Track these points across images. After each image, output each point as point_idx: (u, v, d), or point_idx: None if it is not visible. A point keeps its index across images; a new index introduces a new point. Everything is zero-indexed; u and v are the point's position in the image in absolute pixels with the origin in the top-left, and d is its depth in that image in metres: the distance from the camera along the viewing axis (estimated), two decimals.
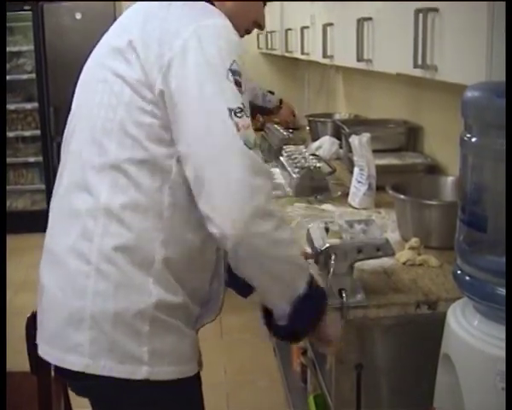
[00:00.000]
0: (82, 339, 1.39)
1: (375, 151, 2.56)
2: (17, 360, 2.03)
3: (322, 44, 3.22)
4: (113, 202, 1.39)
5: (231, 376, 3.58)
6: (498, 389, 1.18)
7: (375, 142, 2.64)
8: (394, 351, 1.69)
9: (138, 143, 1.38)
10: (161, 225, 1.40)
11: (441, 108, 2.71)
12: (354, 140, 2.55)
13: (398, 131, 3.09)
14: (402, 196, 2.12)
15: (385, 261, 1.83)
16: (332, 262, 1.58)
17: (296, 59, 4.73)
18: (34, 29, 6.05)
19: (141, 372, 1.39)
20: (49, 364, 1.56)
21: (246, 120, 1.34)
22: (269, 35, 5.22)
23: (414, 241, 1.96)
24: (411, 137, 3.04)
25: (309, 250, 1.71)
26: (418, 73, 1.90)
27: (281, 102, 4.64)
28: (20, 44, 6.21)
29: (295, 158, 3.02)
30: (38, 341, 1.51)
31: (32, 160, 6.41)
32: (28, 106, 6.30)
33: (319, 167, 2.83)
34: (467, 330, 1.28)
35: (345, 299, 1.58)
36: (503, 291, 1.19)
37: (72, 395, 1.93)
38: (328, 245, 1.59)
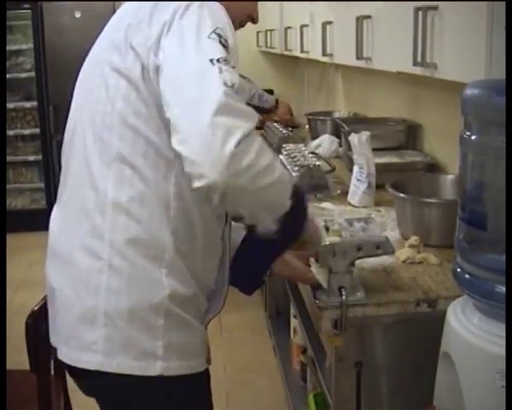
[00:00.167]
0: (96, 337, 1.39)
1: (374, 149, 2.56)
2: (17, 359, 2.03)
3: (322, 43, 3.22)
4: (121, 196, 1.39)
5: (231, 374, 3.59)
6: (498, 386, 1.18)
7: (375, 140, 2.63)
8: (394, 349, 1.69)
9: (139, 134, 1.39)
10: (169, 215, 1.41)
11: (441, 106, 2.71)
12: (354, 138, 2.55)
13: (397, 129, 3.09)
14: (402, 195, 2.12)
15: (385, 259, 1.83)
16: (332, 260, 1.58)
17: (296, 57, 4.72)
18: (33, 27, 6.05)
19: (155, 368, 1.39)
20: (49, 362, 1.57)
21: (229, 67, 1.32)
22: (268, 33, 5.22)
23: (414, 239, 1.96)
24: (411, 135, 3.04)
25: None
26: (418, 70, 1.90)
27: (277, 101, 4.65)
28: (20, 43, 6.21)
29: (295, 156, 3.02)
30: (55, 344, 1.51)
31: (31, 158, 6.41)
32: (27, 104, 6.30)
33: (319, 166, 2.83)
34: (467, 328, 1.28)
35: (344, 297, 1.58)
36: (502, 289, 1.19)
37: (71, 393, 1.93)
38: (327, 243, 1.59)
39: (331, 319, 1.61)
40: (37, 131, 6.31)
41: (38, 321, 1.67)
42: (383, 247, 1.63)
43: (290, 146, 3.31)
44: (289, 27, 4.36)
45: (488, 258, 1.30)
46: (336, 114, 4.18)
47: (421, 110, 3.02)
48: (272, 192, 1.38)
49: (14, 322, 2.27)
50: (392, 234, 2.09)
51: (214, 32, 1.35)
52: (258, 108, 4.52)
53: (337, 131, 3.50)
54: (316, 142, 3.58)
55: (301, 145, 3.39)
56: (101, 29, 1.57)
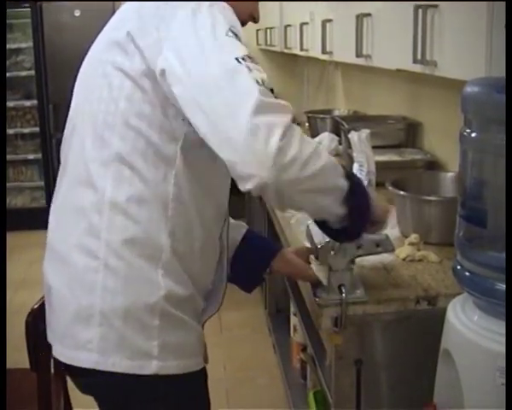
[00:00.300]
0: (91, 336, 1.39)
1: (374, 147, 2.55)
2: (17, 358, 2.03)
3: (322, 40, 3.22)
4: (118, 196, 1.39)
5: (231, 372, 3.59)
6: (498, 384, 1.19)
7: (375, 138, 2.63)
8: (394, 347, 1.69)
9: (141, 134, 1.38)
10: (167, 216, 1.40)
11: (440, 104, 2.71)
12: (353, 136, 2.55)
13: (397, 127, 3.09)
14: (401, 192, 2.12)
15: (384, 257, 1.83)
16: (331, 258, 1.58)
17: (295, 55, 4.72)
18: (33, 26, 6.05)
19: (150, 367, 1.39)
20: (48, 361, 1.57)
21: (256, 65, 1.32)
22: (268, 31, 5.22)
23: (413, 237, 1.96)
24: (411, 133, 3.04)
25: (309, 246, 1.71)
26: (418, 68, 1.89)
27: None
28: (19, 41, 6.20)
29: None
30: (51, 341, 1.51)
31: (31, 157, 6.41)
32: (27, 103, 6.30)
33: None
34: (467, 325, 1.28)
35: (344, 295, 1.58)
36: (502, 287, 1.19)
37: (71, 392, 1.93)
38: (327, 241, 1.59)
39: (331, 316, 1.61)
40: (37, 129, 6.31)
41: (38, 320, 1.67)
42: (383, 245, 1.63)
43: None
44: (289, 25, 4.36)
45: (488, 255, 1.30)
46: (336, 112, 4.18)
47: (421, 108, 3.02)
48: (324, 176, 1.35)
49: (14, 321, 2.27)
50: (392, 232, 2.08)
51: (230, 30, 1.34)
52: None
53: (337, 129, 3.50)
54: (315, 140, 3.58)
55: None
56: (101, 28, 1.56)
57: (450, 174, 2.29)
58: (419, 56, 1.84)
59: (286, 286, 2.67)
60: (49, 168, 6.28)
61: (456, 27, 1.68)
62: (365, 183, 2.47)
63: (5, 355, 2.04)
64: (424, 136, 2.99)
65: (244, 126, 1.23)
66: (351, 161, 2.66)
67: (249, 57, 1.31)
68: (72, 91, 1.57)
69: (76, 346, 1.41)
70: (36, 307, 1.73)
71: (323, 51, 3.24)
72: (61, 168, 1.54)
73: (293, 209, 1.39)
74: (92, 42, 1.57)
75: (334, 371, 1.69)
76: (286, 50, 4.63)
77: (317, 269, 1.62)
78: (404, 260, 1.89)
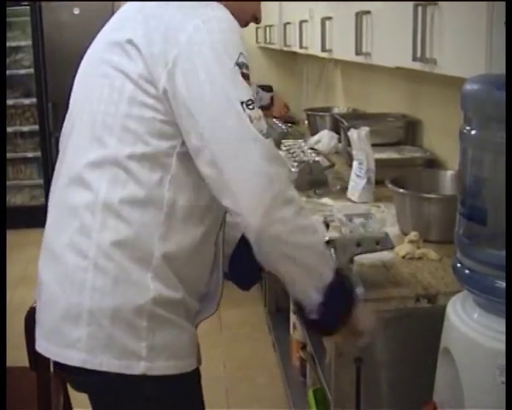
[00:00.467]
0: (80, 334, 1.39)
1: (373, 145, 2.55)
2: (16, 356, 2.03)
3: (321, 38, 3.21)
4: (112, 197, 1.38)
5: (230, 370, 3.58)
6: (498, 382, 1.18)
7: (374, 136, 2.63)
8: (394, 345, 1.69)
9: (139, 138, 1.37)
10: (161, 220, 1.39)
11: (440, 101, 2.71)
12: (353, 134, 2.55)
13: (396, 124, 3.09)
14: (401, 190, 2.12)
15: (384, 255, 1.83)
16: (331, 256, 1.58)
17: (295, 53, 4.72)
18: (32, 24, 6.04)
19: (138, 367, 1.38)
20: (48, 359, 1.56)
21: (257, 112, 1.35)
22: (267, 29, 5.21)
23: (413, 234, 1.96)
24: (410, 130, 3.04)
25: None
26: (417, 66, 1.89)
27: (272, 99, 4.67)
28: (19, 40, 6.19)
29: (294, 152, 3.02)
30: (37, 337, 1.51)
31: (30, 155, 6.40)
32: (26, 101, 6.29)
33: (318, 161, 2.83)
34: (467, 323, 1.28)
35: None
36: (502, 284, 1.19)
37: (71, 390, 1.93)
38: (327, 239, 1.59)
39: None
40: (36, 127, 6.30)
41: None
42: (383, 242, 1.63)
43: (289, 142, 3.31)
44: (288, 23, 4.36)
45: (488, 253, 1.30)
46: (335, 110, 4.18)
47: (421, 106, 3.02)
48: (311, 255, 1.39)
49: (13, 319, 2.27)
50: (392, 230, 2.09)
51: (237, 63, 1.35)
52: None
53: (336, 127, 3.50)
54: (315, 137, 3.58)
55: (300, 141, 3.39)
56: (101, 26, 1.55)
57: (449, 172, 2.29)
58: (419, 54, 1.84)
59: None
60: (49, 166, 6.26)
61: (456, 25, 1.68)
62: (365, 180, 2.48)
63: (5, 354, 2.04)
64: (424, 134, 2.99)
65: (248, 169, 1.30)
66: (350, 158, 2.66)
67: (252, 102, 1.34)
68: (71, 89, 1.56)
69: (64, 344, 1.41)
70: (35, 305, 1.73)
71: (323, 49, 3.24)
72: (57, 165, 1.53)
73: (266, 266, 1.40)
74: (91, 40, 1.56)
75: (334, 369, 1.69)
76: (285, 48, 4.62)
77: None
78: (403, 257, 1.89)
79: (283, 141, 3.35)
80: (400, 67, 2.13)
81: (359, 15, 2.48)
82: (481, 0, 1.49)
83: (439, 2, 1.74)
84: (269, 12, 4.80)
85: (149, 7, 1.43)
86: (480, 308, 1.29)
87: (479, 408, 1.23)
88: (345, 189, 2.61)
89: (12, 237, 3.66)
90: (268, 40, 5.27)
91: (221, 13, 1.40)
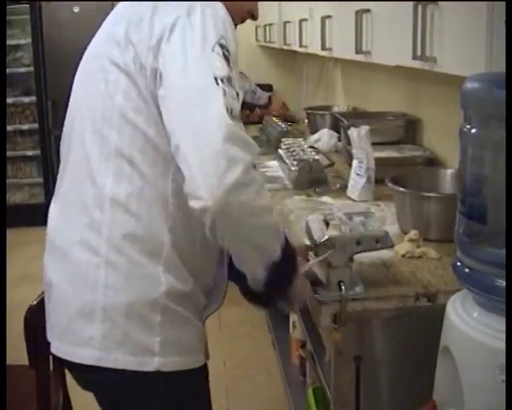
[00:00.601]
0: (93, 332, 1.39)
1: (373, 144, 2.55)
2: (16, 354, 2.03)
3: (321, 37, 3.21)
4: (119, 192, 1.39)
5: (230, 369, 3.59)
6: (498, 381, 1.18)
7: (374, 134, 2.63)
8: (393, 343, 1.69)
9: (138, 129, 1.38)
10: (168, 212, 1.41)
11: (440, 100, 2.71)
12: (353, 133, 2.55)
13: (396, 123, 3.09)
14: (401, 189, 2.12)
15: (384, 254, 1.83)
16: (331, 255, 1.58)
17: (294, 52, 4.72)
18: (32, 22, 6.04)
19: (152, 363, 1.39)
20: (47, 357, 1.56)
21: (232, 91, 1.32)
22: (267, 28, 5.21)
23: (413, 233, 1.96)
24: (410, 129, 3.04)
25: (308, 242, 1.71)
26: (417, 64, 1.89)
27: (270, 98, 4.68)
28: (18, 38, 6.19)
29: (294, 151, 3.01)
30: (50, 338, 1.51)
31: (30, 153, 6.41)
32: (26, 99, 6.29)
33: (318, 160, 2.83)
34: (466, 322, 1.28)
35: (343, 291, 1.58)
36: (502, 283, 1.19)
37: (71, 389, 1.93)
38: (326, 237, 1.58)
39: (330, 313, 1.61)
40: (36, 126, 6.30)
41: (37, 316, 1.67)
42: (383, 241, 1.62)
43: (289, 140, 3.31)
44: (288, 22, 4.35)
45: (488, 252, 1.30)
46: (335, 109, 4.17)
47: (421, 104, 3.02)
48: (264, 234, 1.38)
49: (13, 318, 2.27)
50: (392, 228, 2.08)
51: (218, 43, 1.34)
52: (251, 105, 4.56)
53: (336, 126, 3.49)
54: (315, 136, 3.58)
55: (300, 140, 3.39)
56: (100, 24, 1.56)
57: (449, 171, 2.29)
58: (419, 52, 1.84)
59: None
60: (48, 165, 6.27)
61: (456, 23, 1.67)
62: (364, 179, 2.48)
63: (5, 352, 2.04)
64: (424, 132, 2.98)
65: (207, 150, 1.25)
66: (350, 157, 2.66)
67: (228, 79, 1.31)
68: (71, 87, 1.56)
69: (78, 342, 1.41)
70: (34, 303, 1.73)
71: (323, 48, 3.23)
72: (61, 164, 1.54)
73: (217, 242, 1.40)
74: (91, 38, 1.57)
75: (334, 367, 1.69)
76: (285, 47, 4.62)
77: (315, 266, 1.62)
78: (403, 256, 1.89)
79: (283, 139, 3.35)
80: (400, 66, 2.12)
81: (359, 14, 2.48)
82: (481, 0, 1.49)
83: (439, 1, 1.74)
84: (269, 11, 4.80)
85: (148, 3, 1.44)
86: (479, 307, 1.29)
87: (478, 407, 1.23)
88: (344, 187, 2.61)
89: (12, 235, 3.65)
90: (268, 39, 5.26)
91: (210, 3, 1.40)
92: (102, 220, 1.40)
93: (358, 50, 2.52)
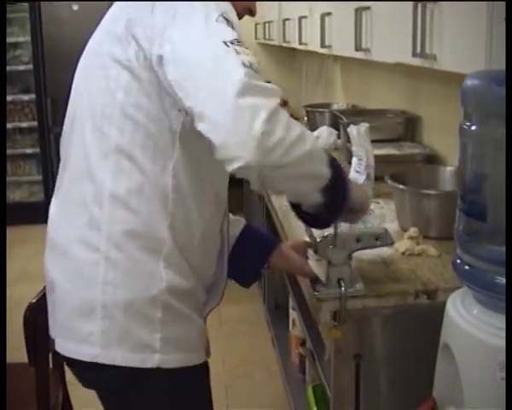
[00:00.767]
0: (93, 329, 1.39)
1: (373, 141, 2.53)
2: (16, 352, 2.03)
3: (321, 34, 3.21)
4: (118, 188, 1.39)
5: (230, 367, 3.59)
6: (498, 378, 1.18)
7: (374, 132, 2.61)
8: (393, 341, 1.69)
9: (139, 125, 1.38)
10: (167, 208, 1.40)
11: (440, 98, 2.71)
12: (352, 130, 2.54)
13: (396, 121, 3.09)
14: (401, 186, 2.12)
15: (384, 251, 1.83)
16: (331, 252, 1.57)
17: (294, 49, 4.72)
18: (31, 20, 6.04)
19: (152, 360, 1.39)
20: (47, 355, 1.56)
21: (244, 49, 1.30)
22: (266, 25, 5.20)
23: (413, 231, 1.96)
24: (410, 127, 3.03)
25: (307, 239, 1.70)
26: (417, 62, 1.89)
27: None
28: (17, 35, 6.20)
29: None
30: (53, 336, 1.51)
31: (29, 151, 6.42)
32: (25, 97, 6.30)
33: None
34: (466, 319, 1.28)
35: (343, 289, 1.58)
36: (502, 280, 1.19)
37: (70, 386, 1.93)
38: (326, 234, 1.58)
39: (330, 310, 1.61)
40: (35, 123, 6.31)
41: (37, 314, 1.67)
42: (382, 238, 1.62)
43: None
44: (288, 19, 4.35)
45: (488, 249, 1.30)
46: (335, 106, 4.17)
47: (420, 102, 3.02)
48: (307, 162, 1.34)
49: (13, 316, 2.26)
50: (392, 226, 2.08)
51: (221, 15, 1.33)
52: None
53: (336, 123, 3.48)
54: (314, 134, 3.56)
55: None
56: (99, 21, 1.56)
57: (449, 168, 2.29)
58: (418, 50, 1.84)
59: (285, 280, 2.66)
60: (48, 163, 6.27)
61: (456, 21, 1.67)
62: (364, 177, 2.47)
63: (5, 350, 2.04)
64: (423, 130, 2.98)
65: (228, 108, 1.23)
66: (350, 155, 2.65)
67: (238, 41, 1.30)
68: (70, 85, 1.56)
69: (78, 339, 1.42)
70: (34, 301, 1.73)
71: (322, 45, 3.24)
72: (61, 162, 1.54)
73: (272, 192, 1.38)
74: (90, 36, 1.56)
75: (333, 365, 1.69)
76: (284, 44, 4.61)
77: (315, 264, 1.62)
78: (403, 253, 1.89)
79: None
80: (400, 63, 2.12)
81: (359, 11, 2.48)
82: (481, 0, 1.49)
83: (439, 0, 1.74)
84: (268, 8, 4.80)
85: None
86: (479, 304, 1.29)
87: (478, 404, 1.23)
88: None
89: (11, 233, 3.65)
90: (267, 36, 5.26)
91: None
92: (101, 217, 1.39)
93: (358, 48, 2.52)
